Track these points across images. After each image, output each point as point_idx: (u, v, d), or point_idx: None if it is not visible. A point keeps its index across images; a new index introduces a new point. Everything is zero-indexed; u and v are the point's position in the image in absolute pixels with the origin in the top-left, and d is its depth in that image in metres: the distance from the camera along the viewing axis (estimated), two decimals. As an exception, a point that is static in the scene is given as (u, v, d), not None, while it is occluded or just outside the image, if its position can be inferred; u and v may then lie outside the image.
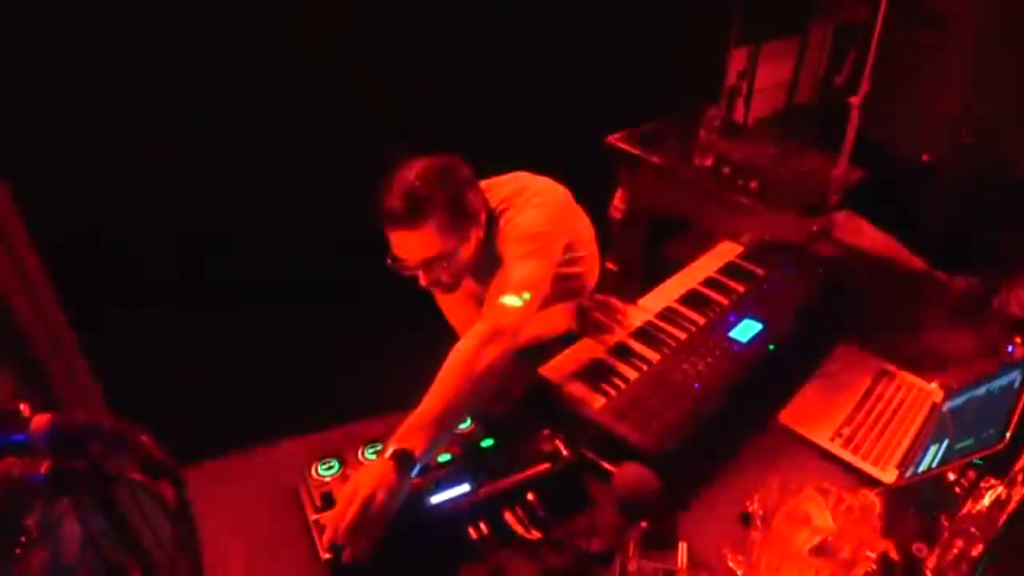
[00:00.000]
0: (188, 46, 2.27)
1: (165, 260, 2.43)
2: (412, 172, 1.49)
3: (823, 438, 1.49)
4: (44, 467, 0.74)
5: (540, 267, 1.54)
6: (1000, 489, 1.25)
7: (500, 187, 1.68)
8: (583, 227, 1.88)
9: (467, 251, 1.58)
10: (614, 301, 1.74)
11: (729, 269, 1.92)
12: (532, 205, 1.61)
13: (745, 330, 1.66)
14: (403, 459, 1.19)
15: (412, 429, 1.25)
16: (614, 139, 3.04)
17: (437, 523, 1.23)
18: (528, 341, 1.87)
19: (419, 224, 1.47)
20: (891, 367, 1.69)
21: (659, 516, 1.24)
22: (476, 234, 1.59)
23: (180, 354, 2.35)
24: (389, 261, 1.56)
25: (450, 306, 1.94)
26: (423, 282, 1.58)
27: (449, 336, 1.90)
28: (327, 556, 1.14)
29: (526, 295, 1.49)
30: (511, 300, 1.47)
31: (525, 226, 1.57)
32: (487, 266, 1.64)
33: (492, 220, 1.64)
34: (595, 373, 1.54)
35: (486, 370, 1.35)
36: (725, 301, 1.78)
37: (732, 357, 1.58)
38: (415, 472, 1.23)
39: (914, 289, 2.03)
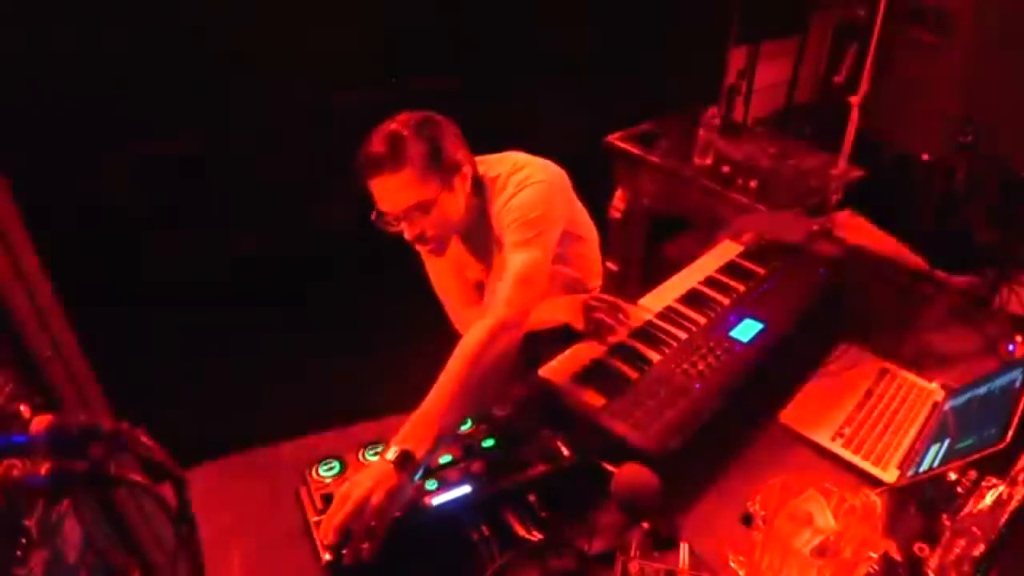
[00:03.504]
0: (189, 47, 2.27)
1: (165, 260, 2.42)
2: (392, 121, 1.52)
3: (824, 438, 1.49)
4: (44, 468, 0.73)
5: (539, 255, 1.54)
6: (1002, 488, 1.25)
7: (495, 162, 1.69)
8: (584, 222, 1.87)
9: (452, 205, 1.58)
10: (619, 301, 1.73)
11: (729, 268, 1.92)
12: (529, 183, 1.60)
13: (746, 330, 1.66)
14: (404, 460, 1.19)
15: (415, 429, 1.24)
16: (614, 139, 3.04)
17: (438, 525, 1.22)
18: (527, 329, 1.87)
19: (398, 166, 1.47)
20: (892, 366, 1.69)
21: (660, 517, 1.24)
22: (461, 186, 1.59)
23: (180, 354, 2.35)
24: (374, 216, 1.56)
25: (440, 279, 1.90)
26: (408, 236, 1.57)
27: (450, 337, 1.90)
28: (327, 558, 1.14)
29: (528, 286, 1.49)
30: (513, 292, 1.47)
31: (524, 208, 1.56)
32: (480, 236, 1.64)
33: (483, 187, 1.64)
34: (595, 373, 1.54)
35: (492, 365, 1.35)
36: (726, 301, 1.78)
37: (733, 357, 1.57)
38: (419, 474, 1.22)
39: (914, 289, 2.02)
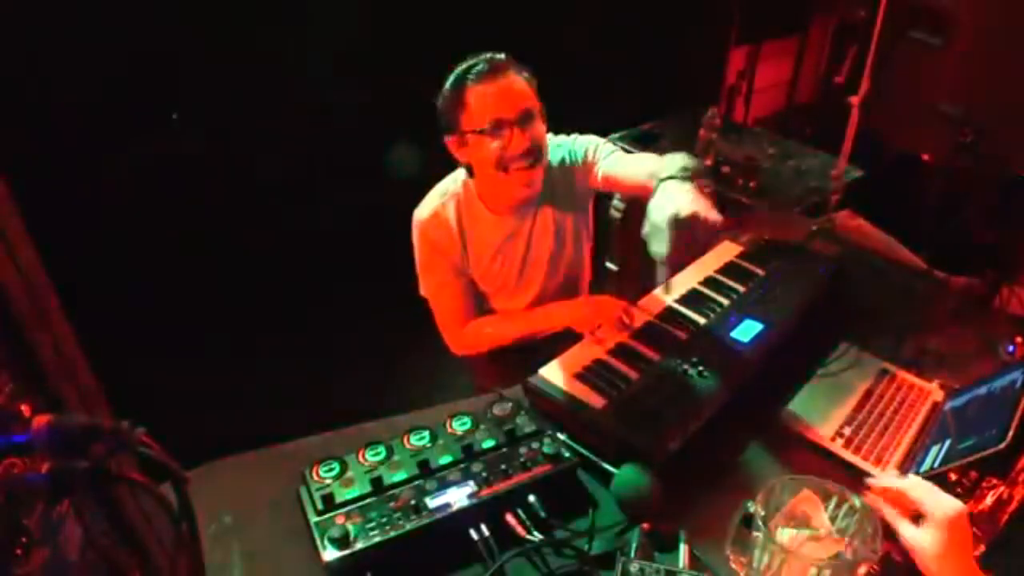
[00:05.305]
0: (189, 46, 2.27)
1: (166, 260, 2.42)
2: None
3: (824, 438, 1.49)
4: (45, 468, 0.73)
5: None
6: (1002, 489, 1.25)
7: None
8: None
9: (544, 131, 1.74)
10: (621, 302, 1.73)
11: (729, 269, 1.92)
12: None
13: (746, 330, 1.66)
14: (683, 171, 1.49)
15: None
16: (614, 139, 3.04)
17: (438, 525, 1.22)
18: (527, 336, 1.87)
19: (516, 70, 1.68)
20: (892, 367, 1.69)
21: (660, 517, 1.24)
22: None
23: (180, 354, 2.35)
24: (484, 125, 1.65)
25: (442, 292, 1.87)
26: (523, 144, 1.66)
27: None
28: (328, 559, 1.14)
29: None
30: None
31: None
32: (562, 197, 1.88)
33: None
34: (596, 374, 1.54)
35: None
36: (726, 301, 1.78)
37: (733, 357, 1.58)
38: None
39: (914, 289, 2.02)
